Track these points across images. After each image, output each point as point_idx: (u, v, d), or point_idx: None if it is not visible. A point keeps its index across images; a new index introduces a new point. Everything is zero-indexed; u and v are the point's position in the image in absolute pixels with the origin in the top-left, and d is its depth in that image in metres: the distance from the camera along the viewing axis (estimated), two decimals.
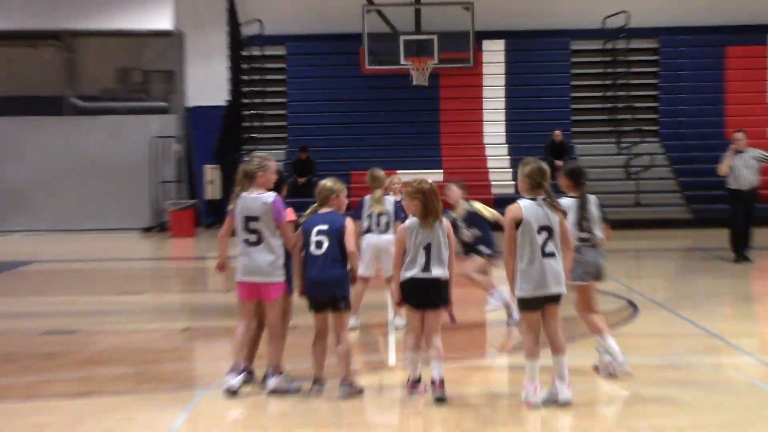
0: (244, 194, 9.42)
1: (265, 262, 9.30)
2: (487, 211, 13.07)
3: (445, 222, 9.08)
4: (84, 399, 9.25)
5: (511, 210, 8.76)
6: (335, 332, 9.31)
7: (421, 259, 8.97)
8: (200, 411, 8.92)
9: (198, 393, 9.53)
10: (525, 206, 8.73)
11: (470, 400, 8.98)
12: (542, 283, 8.64)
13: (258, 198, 9.38)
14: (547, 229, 8.67)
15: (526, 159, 9.01)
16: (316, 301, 9.24)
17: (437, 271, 8.96)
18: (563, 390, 8.66)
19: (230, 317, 13.74)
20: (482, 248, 12.82)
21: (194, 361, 11.29)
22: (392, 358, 10.69)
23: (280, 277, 9.37)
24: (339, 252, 9.15)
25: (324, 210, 9.31)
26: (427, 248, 8.98)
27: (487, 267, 12.88)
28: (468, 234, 12.80)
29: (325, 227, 9.16)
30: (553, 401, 8.63)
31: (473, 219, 12.84)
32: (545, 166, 8.99)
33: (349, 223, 9.27)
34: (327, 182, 9.48)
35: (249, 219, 9.34)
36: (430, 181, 9.31)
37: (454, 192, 12.94)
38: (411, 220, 9.09)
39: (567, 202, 9.25)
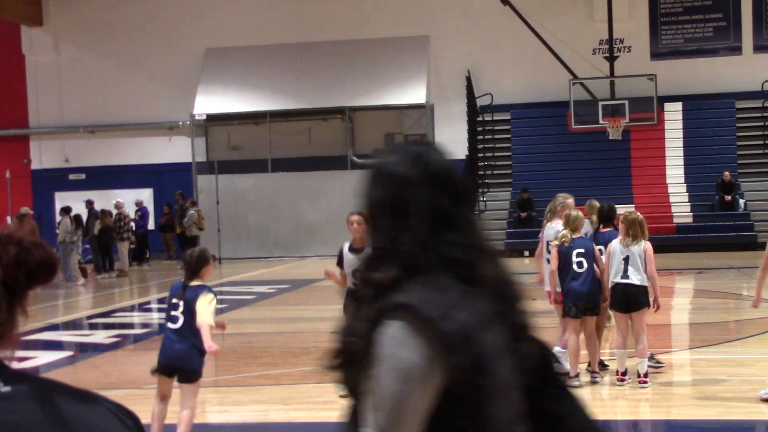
0: (547, 224, 9.46)
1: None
2: None
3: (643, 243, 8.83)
4: None
5: None
6: (599, 330, 9.07)
7: (621, 268, 8.78)
8: None
9: None
10: None
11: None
12: None
13: (551, 226, 9.42)
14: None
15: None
16: (577, 307, 8.99)
17: (635, 278, 8.69)
18: None
19: None
20: None
21: None
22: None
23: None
24: (594, 270, 8.96)
25: (576, 235, 9.08)
26: (626, 260, 8.75)
27: None
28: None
29: (583, 250, 8.95)
30: None
31: None
32: None
33: (595, 248, 9.10)
34: (578, 213, 9.23)
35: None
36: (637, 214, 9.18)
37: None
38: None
39: None
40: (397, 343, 1.78)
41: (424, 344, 1.78)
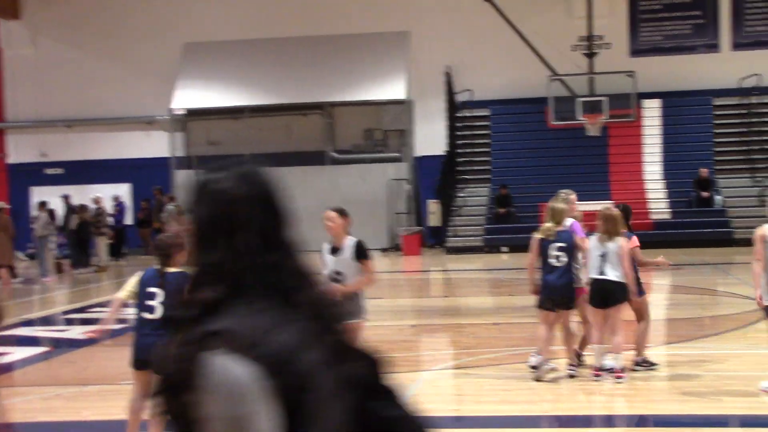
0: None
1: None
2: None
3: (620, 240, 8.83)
4: None
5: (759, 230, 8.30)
6: (564, 327, 9.05)
7: (598, 265, 8.78)
8: (424, 388, 8.88)
9: (423, 374, 9.49)
10: None
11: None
12: None
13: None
14: None
15: None
16: (552, 301, 8.98)
17: (611, 274, 8.71)
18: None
19: (448, 317, 13.70)
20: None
21: (420, 350, 11.24)
22: None
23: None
24: (572, 264, 8.95)
25: (559, 228, 9.05)
26: (602, 256, 8.77)
27: None
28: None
29: (563, 244, 8.93)
30: None
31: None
32: None
33: (579, 240, 9.06)
34: (562, 206, 9.16)
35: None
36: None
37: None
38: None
39: None
40: (223, 370, 1.78)
41: (248, 367, 1.78)
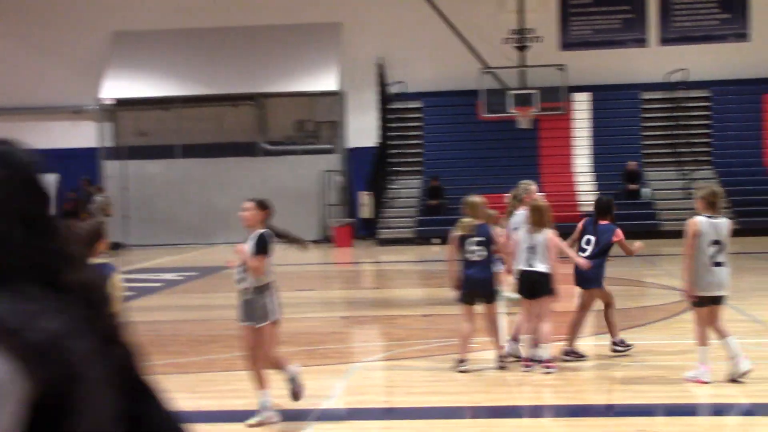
0: (514, 213, 9.47)
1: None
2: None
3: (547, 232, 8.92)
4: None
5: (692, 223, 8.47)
6: (489, 320, 9.10)
7: (526, 257, 8.87)
8: (355, 380, 8.87)
9: (354, 366, 9.48)
10: (702, 222, 8.51)
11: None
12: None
13: (519, 213, 9.42)
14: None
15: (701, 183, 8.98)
16: (473, 295, 9.02)
17: (539, 266, 8.80)
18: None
19: (379, 309, 13.71)
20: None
21: (351, 342, 11.22)
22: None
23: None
24: (492, 256, 9.02)
25: (477, 222, 9.08)
26: (531, 248, 8.85)
27: None
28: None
29: (482, 239, 8.97)
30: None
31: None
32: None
33: (497, 233, 9.15)
34: (477, 199, 9.21)
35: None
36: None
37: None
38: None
39: None
40: None
41: (7, 358, 1.66)
